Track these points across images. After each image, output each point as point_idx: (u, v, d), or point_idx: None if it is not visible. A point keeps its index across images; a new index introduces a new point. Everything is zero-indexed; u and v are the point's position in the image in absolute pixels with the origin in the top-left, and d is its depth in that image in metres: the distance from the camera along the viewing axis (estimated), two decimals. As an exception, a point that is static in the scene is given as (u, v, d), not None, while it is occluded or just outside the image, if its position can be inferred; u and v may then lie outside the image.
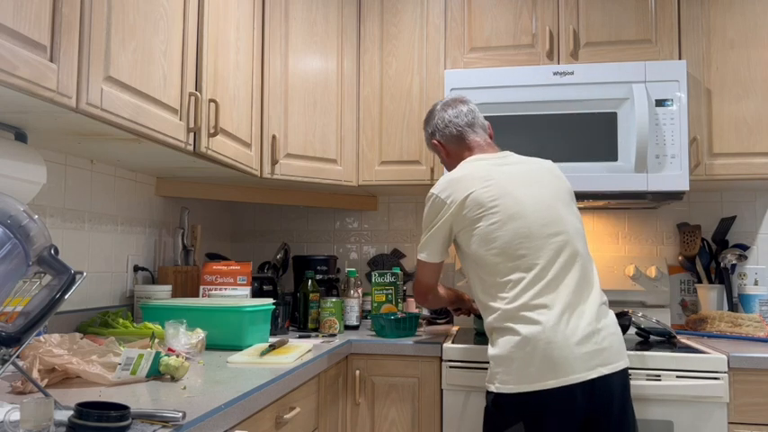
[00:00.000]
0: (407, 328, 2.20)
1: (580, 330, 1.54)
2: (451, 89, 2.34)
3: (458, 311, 2.22)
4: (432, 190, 1.80)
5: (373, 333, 2.25)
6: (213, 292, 2.17)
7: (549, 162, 1.84)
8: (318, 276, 2.57)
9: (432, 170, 2.45)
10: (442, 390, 2.01)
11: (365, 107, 2.54)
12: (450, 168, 1.93)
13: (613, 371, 1.55)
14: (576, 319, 1.56)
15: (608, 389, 1.55)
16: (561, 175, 1.81)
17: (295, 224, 2.99)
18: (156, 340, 1.56)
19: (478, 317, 2.29)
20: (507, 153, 1.85)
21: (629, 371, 1.64)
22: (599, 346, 1.55)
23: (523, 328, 1.55)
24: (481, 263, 1.67)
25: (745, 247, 2.58)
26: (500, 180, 1.71)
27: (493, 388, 1.59)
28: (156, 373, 1.39)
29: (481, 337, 2.22)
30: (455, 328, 2.48)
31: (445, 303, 2.13)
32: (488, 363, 1.64)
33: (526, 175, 1.74)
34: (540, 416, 1.52)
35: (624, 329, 2.12)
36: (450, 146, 1.92)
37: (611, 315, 1.65)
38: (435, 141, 1.95)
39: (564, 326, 1.54)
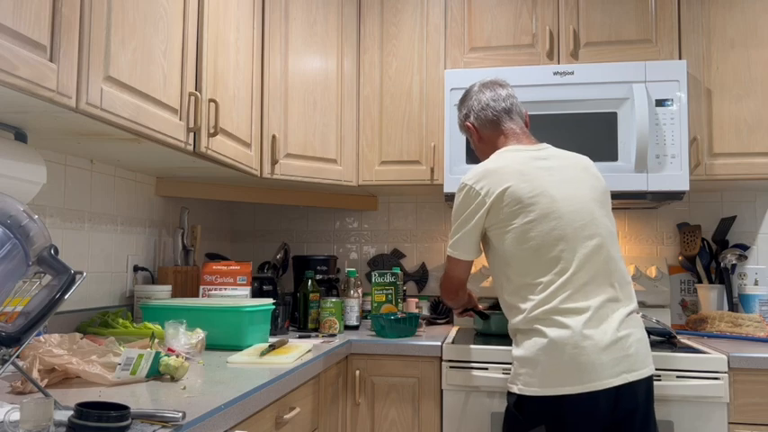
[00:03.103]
0: (407, 328, 2.20)
1: (608, 336, 1.50)
2: (451, 89, 2.34)
3: (466, 312, 2.18)
4: (464, 180, 1.71)
5: (373, 333, 2.25)
6: (213, 292, 2.17)
7: (587, 159, 1.78)
8: (318, 276, 2.57)
9: (432, 170, 2.45)
10: (441, 390, 2.01)
11: (365, 107, 2.54)
12: (481, 154, 1.85)
13: (638, 378, 1.52)
14: (604, 324, 1.51)
15: (632, 396, 1.52)
16: (598, 174, 1.75)
17: (295, 224, 2.99)
18: (156, 340, 1.56)
19: (481, 317, 2.29)
20: (545, 145, 1.76)
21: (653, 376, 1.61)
22: (625, 352, 1.51)
23: (552, 332, 1.51)
24: (512, 262, 1.62)
25: (745, 247, 2.58)
26: (537, 176, 1.64)
27: (516, 389, 1.56)
28: (155, 374, 1.39)
29: (481, 338, 2.22)
30: (455, 328, 2.48)
31: (471, 303, 2.10)
32: (511, 363, 1.62)
33: (564, 173, 1.67)
34: (563, 420, 1.49)
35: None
36: (485, 131, 1.83)
37: (639, 321, 1.61)
38: (469, 124, 1.86)
39: (592, 331, 1.50)
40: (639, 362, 1.53)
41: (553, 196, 1.61)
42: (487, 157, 1.77)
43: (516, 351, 1.60)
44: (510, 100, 1.83)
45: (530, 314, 1.56)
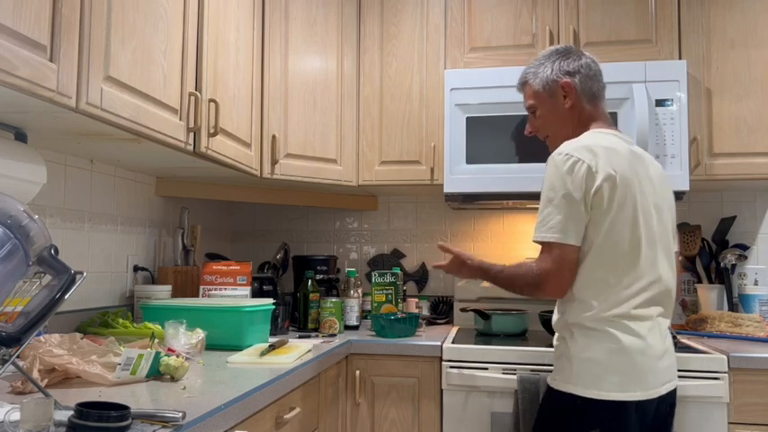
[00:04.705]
0: (407, 328, 2.20)
1: (661, 346, 1.51)
2: (451, 89, 2.34)
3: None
4: (564, 150, 1.50)
5: (373, 333, 2.25)
6: (213, 292, 2.17)
7: (659, 166, 1.68)
8: (318, 276, 2.57)
9: (432, 170, 2.44)
10: (441, 390, 2.01)
11: (365, 107, 2.54)
12: (556, 126, 1.66)
13: (674, 386, 1.55)
14: (659, 334, 1.52)
15: (668, 403, 1.54)
16: (666, 178, 1.66)
17: (295, 224, 2.99)
18: (156, 340, 1.56)
19: (481, 316, 2.29)
20: (631, 140, 1.64)
21: None
22: (670, 361, 1.53)
23: (624, 337, 1.46)
24: (597, 254, 1.48)
25: (745, 247, 2.58)
26: (637, 171, 1.53)
27: (577, 390, 1.47)
28: (156, 374, 1.39)
29: (481, 338, 2.22)
30: (455, 328, 2.48)
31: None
32: (558, 359, 1.55)
33: (655, 175, 1.59)
34: (618, 425, 1.45)
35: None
36: (583, 100, 1.62)
37: (671, 335, 1.62)
38: (571, 82, 1.62)
39: (654, 339, 1.49)
40: (675, 372, 1.56)
41: (647, 199, 1.53)
42: (564, 131, 1.62)
43: (574, 348, 1.50)
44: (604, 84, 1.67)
45: (602, 312, 1.47)
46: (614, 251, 1.48)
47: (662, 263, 1.54)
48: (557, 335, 1.60)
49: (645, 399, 1.46)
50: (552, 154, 1.54)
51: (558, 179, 1.48)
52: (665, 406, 1.53)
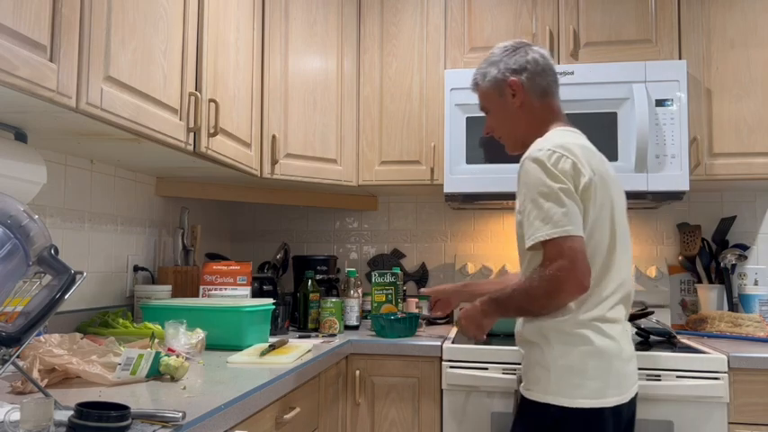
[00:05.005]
0: (407, 328, 2.20)
1: (631, 347, 1.50)
2: (451, 89, 2.34)
3: None
4: (545, 146, 1.45)
5: (373, 333, 2.25)
6: (213, 292, 2.17)
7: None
8: (318, 276, 2.57)
9: (432, 170, 2.44)
10: (441, 390, 2.01)
11: (365, 107, 2.54)
12: (508, 125, 1.62)
13: (638, 388, 1.54)
14: (627, 336, 1.51)
15: (635, 405, 1.53)
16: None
17: (295, 224, 2.99)
18: (156, 340, 1.56)
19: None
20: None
21: None
22: (635, 364, 1.53)
23: (599, 340, 1.42)
24: None
25: (745, 247, 2.58)
26: (609, 171, 1.52)
27: (557, 401, 1.41)
28: (156, 374, 1.39)
29: (481, 337, 2.22)
30: (455, 328, 2.47)
31: None
32: (532, 368, 1.49)
33: (615, 176, 1.56)
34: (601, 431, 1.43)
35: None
36: (532, 97, 1.58)
37: None
38: (517, 80, 1.58)
39: (624, 342, 1.48)
40: (637, 371, 1.55)
41: (615, 201, 1.50)
42: (518, 130, 1.60)
43: (551, 356, 1.43)
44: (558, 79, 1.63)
45: (580, 316, 1.43)
46: (594, 254, 1.44)
47: (626, 263, 1.53)
48: (525, 342, 1.53)
49: (621, 403, 1.44)
50: (528, 154, 1.48)
51: (548, 174, 1.41)
52: (632, 408, 1.51)
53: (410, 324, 2.21)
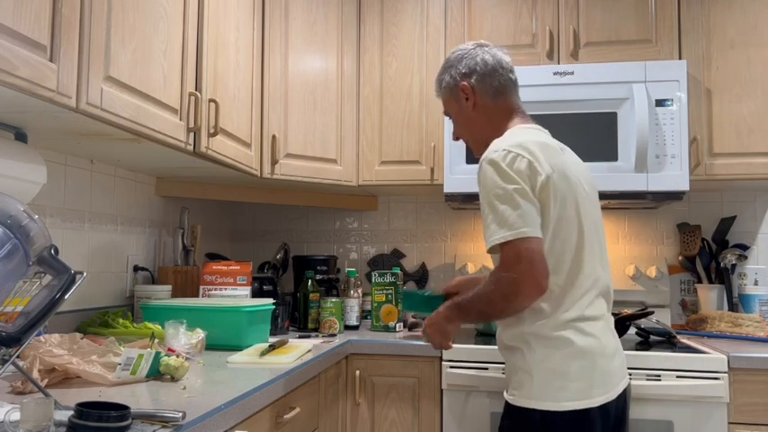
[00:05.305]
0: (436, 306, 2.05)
1: (614, 343, 1.48)
2: (451, 89, 2.34)
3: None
4: (500, 146, 1.44)
5: (373, 333, 2.25)
6: (213, 292, 2.17)
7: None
8: (318, 276, 2.57)
9: (432, 170, 2.44)
10: (442, 390, 2.01)
11: (365, 107, 2.54)
12: (466, 127, 1.63)
13: (628, 383, 1.51)
14: (609, 331, 1.49)
15: (624, 401, 1.50)
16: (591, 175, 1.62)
17: (295, 224, 2.99)
18: (156, 340, 1.56)
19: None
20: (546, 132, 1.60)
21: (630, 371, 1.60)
22: (622, 358, 1.50)
23: (580, 340, 1.40)
24: (548, 257, 1.41)
25: (745, 247, 2.58)
26: (571, 165, 1.49)
27: (541, 405, 1.40)
28: (156, 373, 1.39)
29: (481, 338, 2.22)
30: (455, 328, 2.47)
31: None
32: (515, 373, 1.47)
33: (583, 168, 1.56)
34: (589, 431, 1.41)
35: (625, 330, 2.13)
36: (485, 98, 1.58)
37: None
38: (467, 84, 1.59)
39: (606, 338, 1.46)
40: (626, 369, 1.53)
41: (580, 194, 1.47)
42: (476, 131, 1.60)
43: (533, 360, 1.42)
44: (515, 74, 1.61)
45: (557, 318, 1.41)
46: (562, 252, 1.42)
47: (599, 258, 1.50)
48: (505, 348, 1.51)
49: (607, 401, 1.41)
50: (485, 155, 1.46)
51: (502, 175, 1.40)
52: (621, 404, 1.48)
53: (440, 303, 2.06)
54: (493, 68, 1.59)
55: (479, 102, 1.59)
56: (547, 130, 1.62)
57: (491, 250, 1.43)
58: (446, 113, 1.71)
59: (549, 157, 1.45)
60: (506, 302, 1.41)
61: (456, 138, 1.72)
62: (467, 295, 1.52)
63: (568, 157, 1.55)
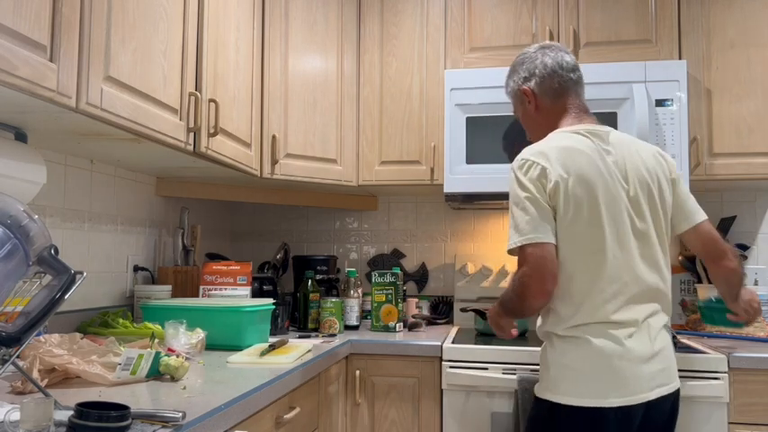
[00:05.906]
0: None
1: (648, 349, 1.46)
2: (452, 89, 2.34)
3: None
4: (521, 156, 1.51)
5: (373, 333, 2.25)
6: (213, 292, 2.17)
7: (655, 148, 1.62)
8: (318, 276, 2.57)
9: (432, 170, 2.44)
10: (441, 390, 2.01)
11: (365, 107, 2.54)
12: (534, 128, 1.67)
13: (669, 392, 1.48)
14: (645, 337, 1.47)
15: (661, 410, 1.48)
16: (662, 162, 1.58)
17: (295, 224, 2.99)
18: (156, 340, 1.56)
19: (481, 316, 2.30)
20: (607, 129, 1.58)
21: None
22: (662, 365, 1.47)
23: (598, 341, 1.43)
24: (560, 261, 1.45)
25: (745, 247, 2.58)
26: (605, 168, 1.48)
27: (553, 397, 1.45)
28: (156, 373, 1.39)
29: (481, 338, 2.22)
30: (455, 328, 2.48)
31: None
32: (540, 366, 1.53)
33: (637, 167, 1.52)
34: None
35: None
36: (545, 100, 1.62)
37: (669, 334, 1.57)
38: (527, 89, 1.63)
39: (635, 344, 1.44)
40: (671, 375, 1.50)
41: (614, 194, 1.47)
42: (541, 133, 1.61)
43: (552, 355, 1.48)
44: (579, 72, 1.63)
45: (576, 321, 1.45)
46: (577, 256, 1.45)
47: (640, 261, 1.49)
48: (540, 341, 1.59)
49: (625, 405, 1.41)
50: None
51: (517, 184, 1.49)
52: (658, 412, 1.47)
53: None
54: (552, 70, 1.62)
55: (541, 104, 1.63)
56: (601, 127, 1.58)
57: (510, 253, 1.51)
58: (516, 115, 1.75)
59: (566, 162, 1.47)
60: (520, 302, 1.49)
61: (530, 140, 1.72)
62: (504, 292, 1.60)
63: (612, 157, 1.51)
